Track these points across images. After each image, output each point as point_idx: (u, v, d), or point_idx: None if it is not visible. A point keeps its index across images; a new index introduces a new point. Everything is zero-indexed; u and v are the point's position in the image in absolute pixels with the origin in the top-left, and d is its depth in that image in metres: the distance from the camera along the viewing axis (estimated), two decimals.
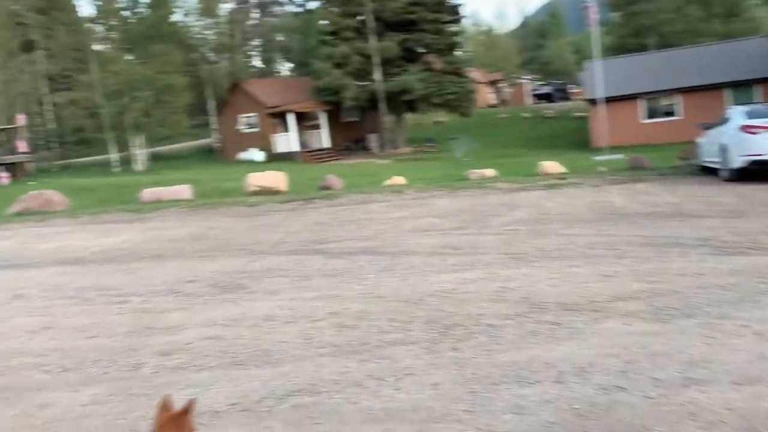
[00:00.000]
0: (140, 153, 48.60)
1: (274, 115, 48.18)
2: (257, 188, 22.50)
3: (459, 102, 49.96)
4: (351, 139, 52.55)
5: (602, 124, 33.62)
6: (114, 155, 48.97)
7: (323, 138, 50.30)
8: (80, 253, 13.87)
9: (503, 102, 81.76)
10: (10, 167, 43.77)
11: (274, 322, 7.98)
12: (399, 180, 23.06)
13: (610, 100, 34.65)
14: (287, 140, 47.92)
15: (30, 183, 35.23)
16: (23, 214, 21.68)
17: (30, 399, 6.07)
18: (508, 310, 7.69)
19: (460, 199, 18.37)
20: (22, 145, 47.11)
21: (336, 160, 46.49)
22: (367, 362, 6.48)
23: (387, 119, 50.16)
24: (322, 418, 5.37)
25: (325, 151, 48.72)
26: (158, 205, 21.63)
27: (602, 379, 5.55)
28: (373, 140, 51.88)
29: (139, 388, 6.21)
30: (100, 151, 52.74)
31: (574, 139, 44.42)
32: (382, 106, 48.42)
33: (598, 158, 27.40)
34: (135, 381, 6.43)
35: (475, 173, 23.41)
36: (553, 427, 4.85)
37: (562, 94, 76.78)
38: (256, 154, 47.27)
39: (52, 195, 23.12)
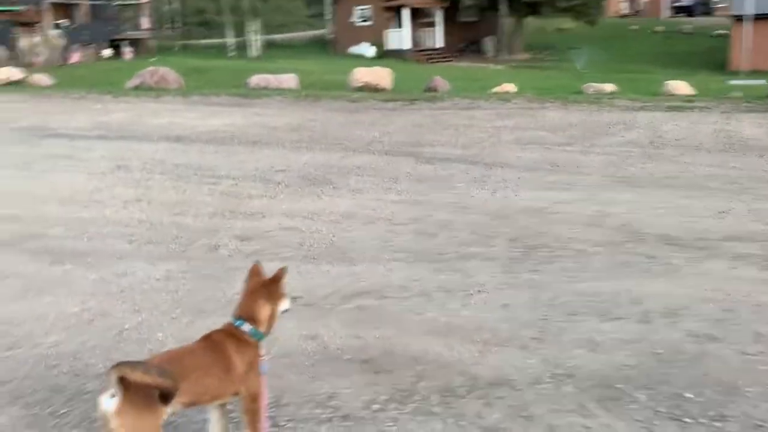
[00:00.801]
0: (255, 39, 49.07)
1: (389, 8, 46.73)
2: (362, 84, 22.09)
3: (586, 8, 46.20)
4: (466, 40, 50.32)
5: (745, 44, 30.10)
6: (230, 39, 49.78)
7: (437, 37, 48.45)
8: (186, 132, 14.26)
9: (636, 12, 74.97)
10: (134, 43, 45.61)
11: (353, 220, 7.83)
12: (509, 87, 21.88)
13: (759, 17, 30.77)
14: (400, 37, 46.57)
15: (151, 60, 36.60)
16: (140, 89, 22.59)
17: (110, 266, 6.32)
18: (602, 237, 7.11)
19: (572, 113, 17.17)
20: (145, 23, 48.79)
21: (447, 61, 44.89)
22: (439, 273, 6.22)
23: (506, 22, 47.42)
24: (381, 324, 5.21)
25: (437, 52, 47.05)
26: (264, 92, 21.83)
27: (694, 325, 5.00)
28: (488, 43, 49.46)
29: (212, 270, 6.31)
30: (218, 35, 53.75)
31: (709, 59, 40.24)
32: (503, 7, 45.63)
33: (734, 82, 24.73)
34: (210, 262, 6.53)
35: (593, 87, 21.75)
36: (627, 370, 4.42)
37: (704, 9, 69.33)
38: (368, 49, 46.44)
39: (168, 73, 23.83)
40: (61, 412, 3.99)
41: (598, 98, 19.69)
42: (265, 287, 3.40)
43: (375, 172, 10.25)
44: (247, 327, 3.31)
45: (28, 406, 4.05)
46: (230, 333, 3.30)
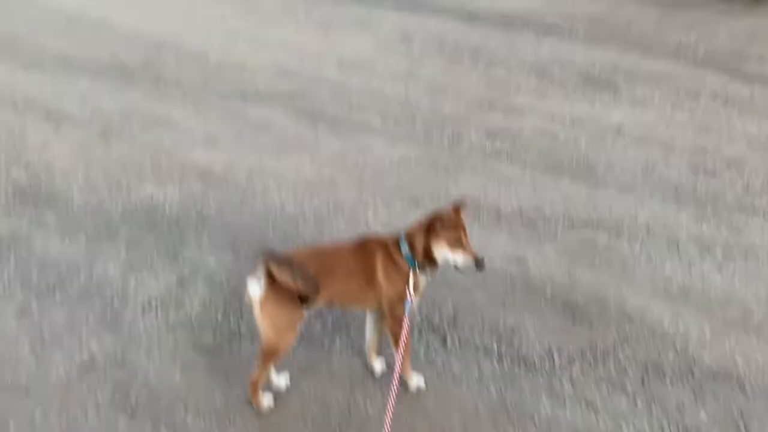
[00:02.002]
0: None
1: None
2: None
3: None
4: None
5: None
6: None
7: None
8: (479, 9, 13.72)
9: None
10: None
11: (622, 136, 6.81)
12: None
13: None
14: None
15: None
16: None
17: (355, 139, 6.43)
18: None
19: None
20: None
21: None
22: (701, 223, 5.13)
23: None
24: (604, 266, 4.51)
25: None
26: None
27: None
28: None
29: (446, 162, 6.05)
30: None
31: None
32: None
33: None
34: (447, 154, 6.27)
35: None
36: None
37: None
38: None
39: None
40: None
41: None
42: (443, 228, 2.95)
43: (670, 84, 8.70)
44: (405, 249, 3.00)
45: (236, 253, 4.36)
46: (385, 246, 3.03)
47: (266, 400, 3.05)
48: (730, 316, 4.08)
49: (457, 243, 2.95)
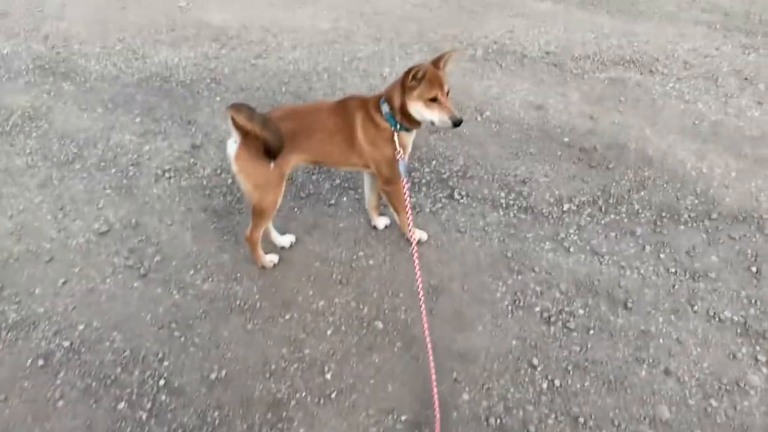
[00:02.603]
0: None
1: None
2: None
3: None
4: None
5: None
6: None
7: None
8: None
9: None
10: None
11: None
12: None
13: None
14: None
15: None
16: None
17: None
18: None
19: None
20: None
21: None
22: (750, 51, 4.69)
23: None
24: (630, 106, 4.26)
25: None
26: None
27: None
28: None
29: (474, 0, 5.65)
30: None
31: None
32: None
33: None
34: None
35: None
36: None
37: None
38: None
39: None
40: None
41: None
42: (418, 83, 2.74)
43: None
44: (386, 108, 2.88)
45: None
46: (365, 106, 2.91)
47: (269, 258, 3.16)
48: (761, 154, 3.84)
49: (433, 100, 2.77)
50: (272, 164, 2.73)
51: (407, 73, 2.75)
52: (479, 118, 4.27)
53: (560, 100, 4.42)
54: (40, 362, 2.77)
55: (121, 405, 2.60)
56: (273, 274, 3.15)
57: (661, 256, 3.22)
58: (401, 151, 2.91)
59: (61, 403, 2.62)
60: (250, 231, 2.99)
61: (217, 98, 4.54)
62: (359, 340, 2.83)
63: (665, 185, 3.67)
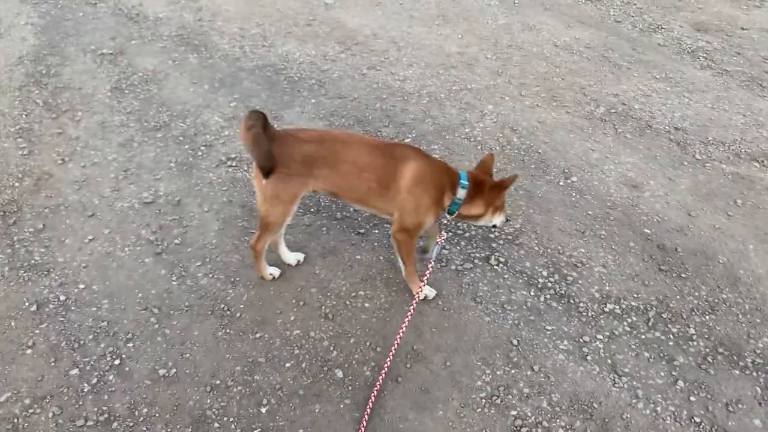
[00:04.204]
0: None
1: None
2: None
3: None
4: None
5: None
6: None
7: None
8: None
9: None
10: None
11: None
12: None
13: None
14: None
15: None
16: None
17: (526, 13, 5.74)
18: None
19: None
20: None
21: None
22: None
23: None
24: (745, 206, 3.60)
25: None
26: None
27: None
28: None
29: (624, 54, 5.17)
30: None
31: None
32: None
33: None
34: (629, 44, 5.33)
35: None
36: None
37: None
38: None
39: None
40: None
41: None
42: (490, 188, 2.91)
43: None
44: (462, 193, 2.86)
45: (330, 125, 4.32)
46: (427, 163, 2.81)
47: (270, 270, 3.10)
48: None
49: (502, 207, 3.04)
50: (264, 181, 2.65)
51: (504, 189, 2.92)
52: (562, 183, 3.87)
53: (663, 185, 3.87)
54: (33, 308, 2.96)
55: (74, 372, 2.70)
56: (268, 287, 3.10)
57: (692, 398, 2.69)
58: (444, 236, 2.88)
59: (29, 351, 2.78)
60: (255, 240, 2.96)
61: (312, 100, 4.57)
62: (311, 384, 2.69)
63: (741, 316, 3.06)
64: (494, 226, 3.12)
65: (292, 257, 3.22)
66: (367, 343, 2.85)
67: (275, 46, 5.28)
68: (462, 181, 2.86)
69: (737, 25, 5.90)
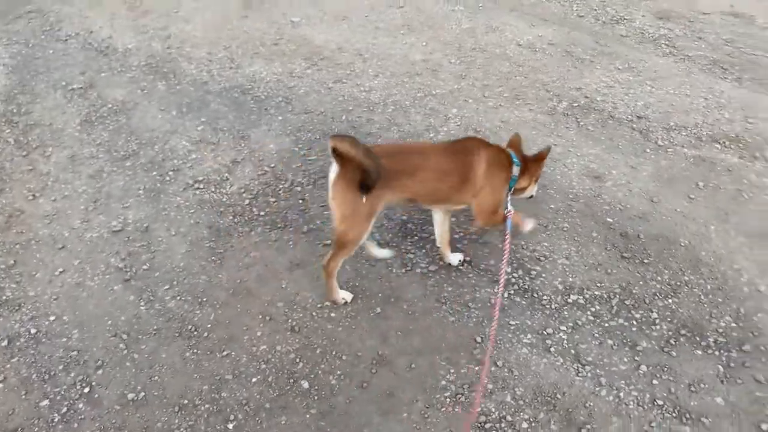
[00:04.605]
0: None
1: None
2: None
3: None
4: None
5: None
6: None
7: None
8: None
9: None
10: None
11: None
12: None
13: None
14: None
15: None
16: None
17: (491, 16, 5.81)
18: None
19: None
20: None
21: None
22: None
23: None
24: (708, 189, 3.63)
25: None
26: None
27: None
28: None
29: (588, 48, 5.22)
30: None
31: None
32: None
33: None
34: (592, 38, 5.39)
35: None
36: None
37: None
38: None
39: None
40: (312, 155, 4.20)
41: None
42: (531, 162, 3.17)
43: None
44: (516, 170, 3.08)
45: (295, 141, 4.38)
46: (494, 150, 3.05)
47: (342, 294, 3.10)
48: None
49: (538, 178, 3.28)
50: (364, 198, 2.73)
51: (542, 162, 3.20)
52: None
53: (626, 174, 3.91)
54: (4, 343, 3.01)
55: (44, 403, 2.75)
56: (234, 306, 3.15)
57: (655, 381, 2.72)
58: (512, 210, 3.03)
59: (0, 386, 2.82)
60: (329, 260, 2.97)
61: (279, 117, 4.64)
62: (278, 397, 2.73)
63: (703, 297, 3.09)
64: (531, 197, 3.35)
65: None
66: (333, 353, 2.89)
67: (242, 67, 5.35)
68: (514, 159, 3.09)
69: (698, 10, 5.96)
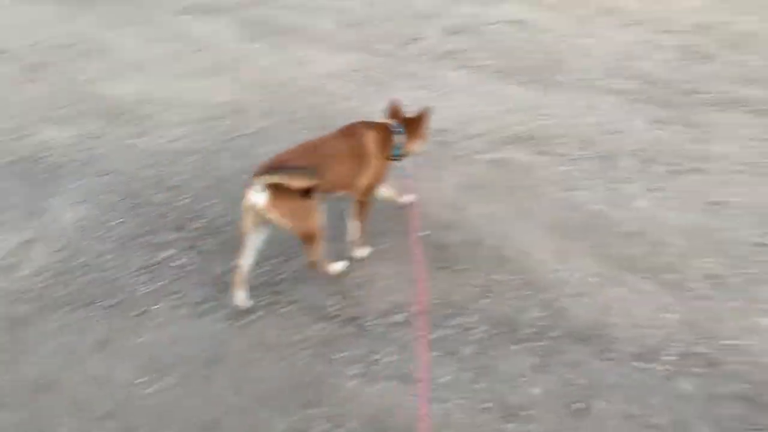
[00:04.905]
0: None
1: None
2: None
3: None
4: None
5: None
6: None
7: None
8: None
9: None
10: None
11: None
12: None
13: None
14: None
15: None
16: None
17: (296, 50, 5.83)
18: None
19: None
20: None
21: None
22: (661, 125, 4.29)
23: None
24: (504, 189, 3.85)
25: None
26: None
27: None
28: None
29: (387, 70, 5.39)
30: None
31: None
32: None
33: None
34: (389, 61, 5.58)
35: None
36: None
37: None
38: None
39: None
40: (115, 219, 3.95)
41: None
42: (413, 122, 3.48)
43: None
44: (400, 138, 3.39)
45: (94, 205, 4.10)
46: (378, 128, 3.35)
47: (338, 265, 3.38)
48: (629, 254, 3.41)
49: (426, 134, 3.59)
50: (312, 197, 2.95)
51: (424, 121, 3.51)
52: None
53: (432, 188, 4.07)
54: None
55: None
56: (38, 403, 2.84)
57: (477, 386, 2.81)
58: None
59: None
60: (308, 257, 3.17)
61: (77, 183, 4.32)
62: None
63: (512, 293, 3.26)
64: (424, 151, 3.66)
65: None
66: (160, 431, 2.69)
67: (31, 135, 4.97)
68: (396, 129, 3.42)
69: (486, 22, 6.41)
